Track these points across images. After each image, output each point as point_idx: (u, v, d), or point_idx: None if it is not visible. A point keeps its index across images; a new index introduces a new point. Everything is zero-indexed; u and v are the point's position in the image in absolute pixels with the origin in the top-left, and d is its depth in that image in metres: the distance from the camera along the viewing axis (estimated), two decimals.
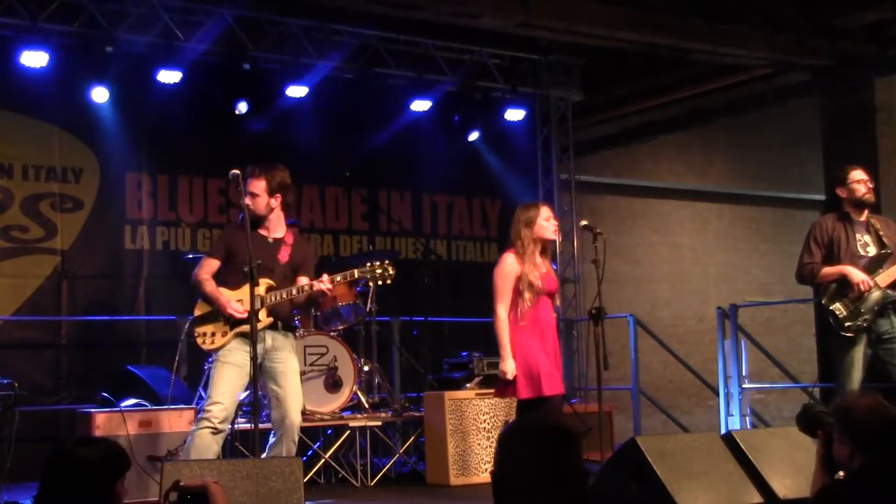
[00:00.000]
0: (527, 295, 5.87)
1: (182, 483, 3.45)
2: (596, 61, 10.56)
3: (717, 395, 9.09)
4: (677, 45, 9.48)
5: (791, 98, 11.42)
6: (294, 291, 5.69)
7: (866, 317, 6.05)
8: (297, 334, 6.61)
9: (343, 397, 7.64)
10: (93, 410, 6.87)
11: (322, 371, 7.58)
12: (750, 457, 4.92)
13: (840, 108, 10.09)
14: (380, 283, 5.86)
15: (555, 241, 6.16)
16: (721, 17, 9.40)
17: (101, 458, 2.95)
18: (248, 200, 5.74)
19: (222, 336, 5.70)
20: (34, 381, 8.28)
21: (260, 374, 5.66)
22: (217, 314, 5.72)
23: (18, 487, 6.50)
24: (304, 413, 7.30)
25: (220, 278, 5.82)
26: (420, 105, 10.04)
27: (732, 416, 8.65)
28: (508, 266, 5.95)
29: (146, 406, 6.93)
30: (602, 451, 5.88)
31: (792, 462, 4.99)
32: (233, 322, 5.67)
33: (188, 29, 8.81)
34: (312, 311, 7.82)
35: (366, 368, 8.07)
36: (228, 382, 5.60)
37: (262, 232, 5.83)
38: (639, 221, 13.79)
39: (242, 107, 9.19)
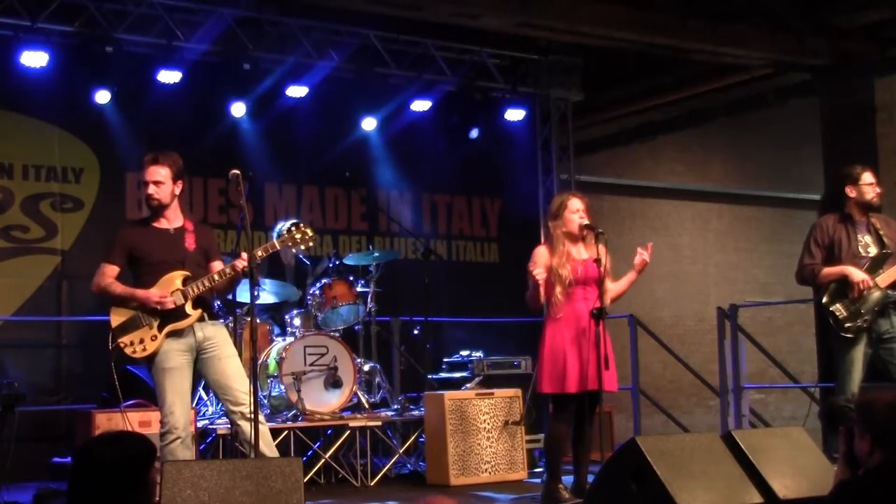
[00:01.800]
0: (557, 288, 5.85)
1: None
2: (596, 61, 10.56)
3: (717, 395, 9.09)
4: (677, 45, 9.49)
5: (791, 98, 11.43)
6: (216, 277, 5.47)
7: (866, 317, 6.05)
8: (225, 322, 6.50)
9: (343, 397, 7.64)
10: (93, 410, 6.87)
11: (322, 371, 7.58)
12: (750, 457, 4.92)
13: (840, 108, 10.09)
14: (303, 247, 5.65)
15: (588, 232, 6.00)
16: (721, 17, 9.40)
17: (131, 455, 2.91)
18: (150, 189, 5.53)
19: (152, 340, 5.37)
20: (34, 381, 8.27)
21: (196, 370, 5.51)
22: (138, 319, 5.40)
23: (18, 487, 6.50)
24: (304, 413, 7.35)
25: (130, 283, 5.52)
26: (420, 105, 10.04)
27: (732, 416, 8.65)
28: (538, 257, 5.95)
29: (146, 406, 6.93)
30: (602, 451, 5.87)
31: (792, 462, 4.99)
32: (160, 323, 5.39)
33: (188, 29, 8.82)
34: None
35: (366, 368, 8.07)
36: (177, 389, 5.38)
37: (162, 224, 5.58)
38: (639, 221, 13.79)
39: (239, 109, 9.18)
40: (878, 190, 6.29)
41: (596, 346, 5.74)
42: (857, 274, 6.07)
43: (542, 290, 5.85)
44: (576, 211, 5.96)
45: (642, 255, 5.93)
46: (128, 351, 5.38)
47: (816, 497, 4.53)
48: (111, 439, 3.00)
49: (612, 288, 6.02)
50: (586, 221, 5.96)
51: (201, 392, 7.78)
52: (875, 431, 3.42)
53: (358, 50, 9.63)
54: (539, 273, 5.81)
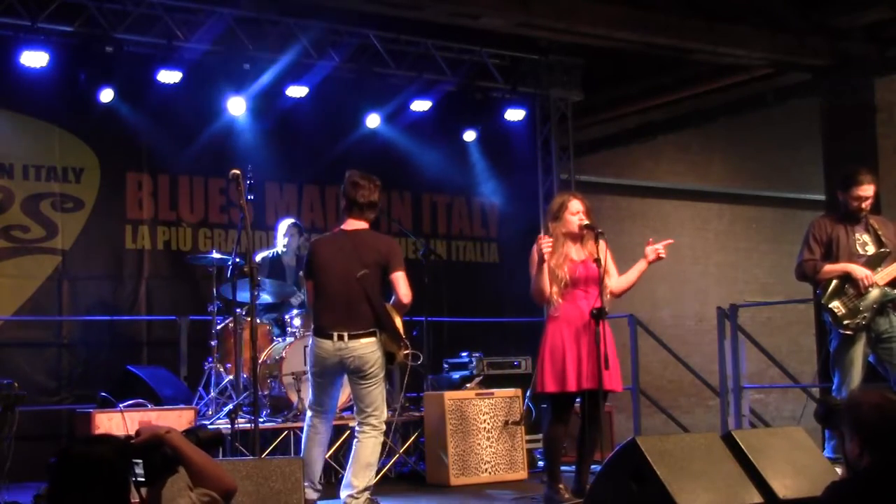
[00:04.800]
0: (553, 289, 5.83)
1: (134, 440, 3.09)
2: (596, 61, 10.56)
3: (717, 395, 9.09)
4: (677, 45, 9.48)
5: (791, 98, 11.42)
6: None
7: (865, 315, 6.06)
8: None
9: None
10: (93, 410, 6.88)
11: None
12: (750, 457, 4.92)
13: (840, 108, 10.08)
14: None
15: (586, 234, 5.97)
16: (721, 17, 9.40)
17: (115, 455, 2.91)
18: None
19: None
20: (35, 381, 8.27)
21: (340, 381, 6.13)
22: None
23: (18, 487, 6.50)
24: (304, 413, 7.34)
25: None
26: (420, 105, 10.04)
27: (732, 416, 8.65)
28: (538, 253, 5.94)
29: (146, 406, 6.93)
30: (602, 451, 5.87)
31: (792, 462, 4.99)
32: None
33: (188, 29, 8.81)
34: None
35: None
36: None
37: None
38: (639, 221, 13.78)
39: (239, 108, 9.16)
40: (865, 204, 6.23)
41: (596, 346, 5.74)
42: (860, 270, 6.07)
43: (546, 272, 5.81)
44: (576, 213, 5.94)
45: (658, 252, 5.83)
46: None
47: (816, 497, 4.53)
48: (92, 440, 3.01)
49: (621, 280, 5.97)
50: (586, 222, 5.95)
51: (201, 391, 7.79)
52: (863, 434, 3.36)
53: (358, 50, 9.63)
54: (546, 244, 5.78)
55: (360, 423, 5.96)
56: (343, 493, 5.91)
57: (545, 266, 5.79)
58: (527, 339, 9.40)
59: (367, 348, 5.81)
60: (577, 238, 5.96)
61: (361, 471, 5.87)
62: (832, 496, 3.26)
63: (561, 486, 5.92)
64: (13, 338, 8.40)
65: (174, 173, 9.24)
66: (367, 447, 5.88)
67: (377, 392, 5.90)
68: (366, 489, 5.88)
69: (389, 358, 5.94)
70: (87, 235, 8.79)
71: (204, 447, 3.18)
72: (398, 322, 5.91)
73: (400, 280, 5.87)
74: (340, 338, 5.80)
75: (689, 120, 12.48)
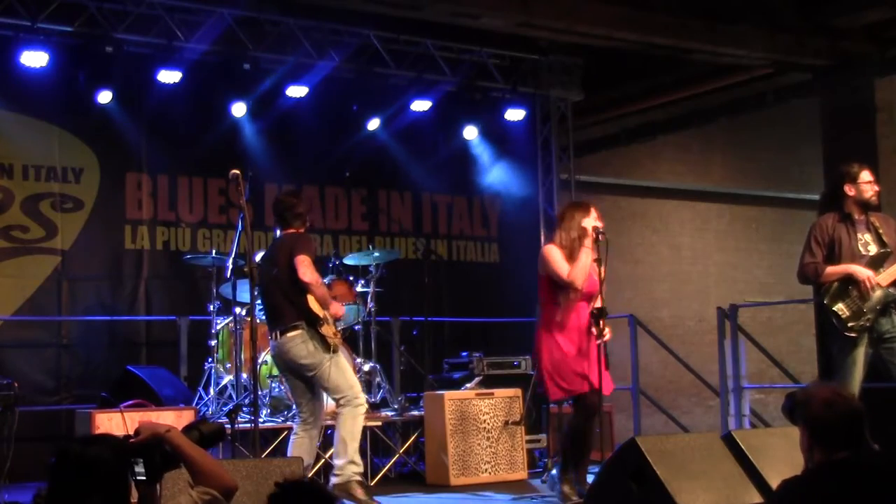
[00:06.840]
0: (570, 295, 5.88)
1: (132, 440, 3.07)
2: (596, 61, 10.55)
3: (717, 395, 9.09)
4: (677, 45, 9.48)
5: (791, 98, 11.42)
6: None
7: (869, 316, 6.04)
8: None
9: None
10: (93, 410, 6.87)
11: None
12: (750, 457, 4.93)
13: (840, 108, 10.08)
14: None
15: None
16: (721, 17, 9.40)
17: (112, 455, 2.91)
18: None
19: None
20: (34, 381, 8.28)
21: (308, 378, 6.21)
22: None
23: (18, 487, 6.50)
24: None
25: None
26: (420, 105, 10.03)
27: (732, 416, 8.65)
28: (555, 255, 5.94)
29: (146, 406, 6.93)
30: (602, 451, 5.87)
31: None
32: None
33: (188, 29, 8.81)
34: None
35: (366, 368, 8.06)
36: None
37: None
38: (639, 221, 13.78)
39: (239, 109, 9.16)
40: (876, 188, 6.28)
41: (597, 346, 5.76)
42: (862, 271, 6.05)
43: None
44: (594, 217, 5.99)
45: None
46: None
47: None
48: (89, 440, 3.01)
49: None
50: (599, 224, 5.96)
51: (201, 391, 7.79)
52: (811, 428, 3.35)
53: (358, 50, 9.63)
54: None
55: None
56: None
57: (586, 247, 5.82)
58: (527, 339, 9.38)
59: (292, 342, 6.02)
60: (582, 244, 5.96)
61: (339, 447, 6.10)
62: (784, 494, 3.20)
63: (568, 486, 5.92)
64: (13, 338, 8.40)
65: (173, 174, 9.24)
66: (342, 423, 6.09)
67: (327, 376, 6.05)
68: (350, 462, 6.05)
69: (325, 343, 6.07)
70: (86, 236, 8.79)
71: (207, 441, 3.18)
72: (311, 303, 6.02)
73: (299, 263, 5.97)
74: (275, 337, 6.13)
75: (689, 120, 12.47)
